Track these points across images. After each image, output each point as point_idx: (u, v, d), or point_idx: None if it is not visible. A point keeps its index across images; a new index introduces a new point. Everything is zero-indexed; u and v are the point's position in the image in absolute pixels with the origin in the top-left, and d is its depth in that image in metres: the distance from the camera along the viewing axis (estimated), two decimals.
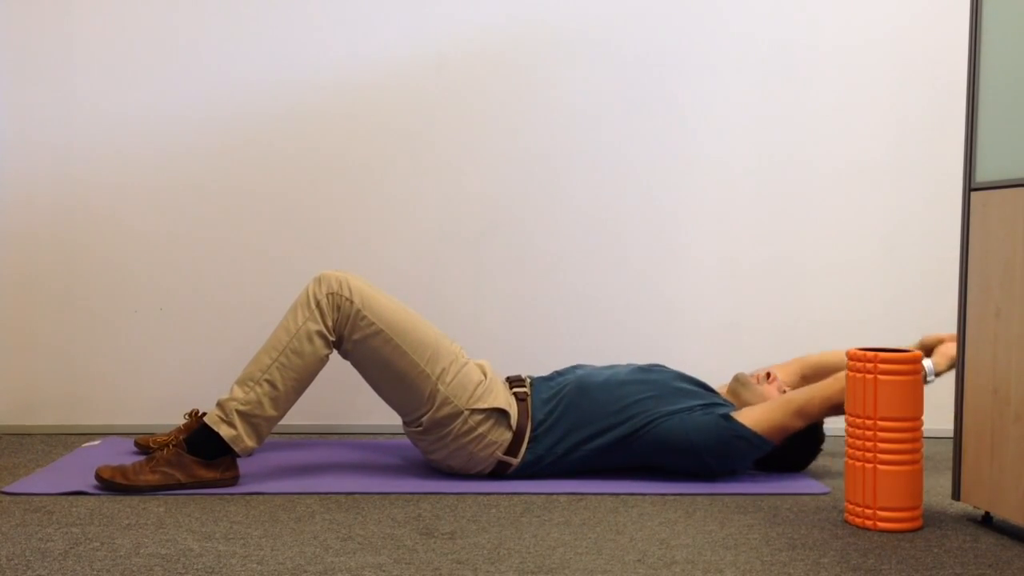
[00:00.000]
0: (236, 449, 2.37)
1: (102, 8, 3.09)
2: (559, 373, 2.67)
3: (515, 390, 2.56)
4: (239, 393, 2.38)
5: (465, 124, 3.13)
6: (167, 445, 2.47)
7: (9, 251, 3.11)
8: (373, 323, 2.43)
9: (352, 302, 2.42)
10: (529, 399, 2.53)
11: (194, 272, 3.13)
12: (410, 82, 3.14)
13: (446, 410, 2.45)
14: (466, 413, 2.46)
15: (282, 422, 2.65)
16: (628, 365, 2.68)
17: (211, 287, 3.12)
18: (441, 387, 2.45)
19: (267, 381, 2.39)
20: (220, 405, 2.39)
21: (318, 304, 2.42)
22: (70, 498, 2.29)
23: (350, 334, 2.43)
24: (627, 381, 2.55)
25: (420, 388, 2.45)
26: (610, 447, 2.50)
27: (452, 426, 2.46)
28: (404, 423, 2.55)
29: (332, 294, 2.42)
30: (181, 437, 2.44)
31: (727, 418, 2.48)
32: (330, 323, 2.42)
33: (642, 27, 3.16)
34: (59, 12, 3.08)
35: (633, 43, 3.17)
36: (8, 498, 2.30)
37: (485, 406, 2.47)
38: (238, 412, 2.36)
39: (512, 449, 2.49)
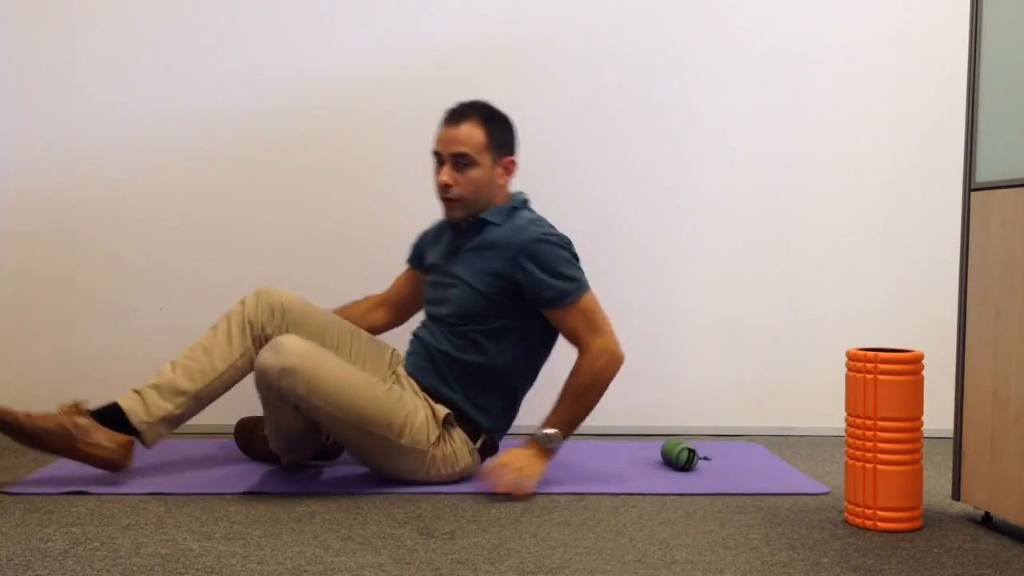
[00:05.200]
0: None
1: (102, 6, 3.09)
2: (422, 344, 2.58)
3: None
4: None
5: None
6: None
7: (9, 249, 3.11)
8: (321, 407, 2.30)
9: (296, 391, 2.27)
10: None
11: (194, 272, 3.13)
12: (411, 81, 3.14)
13: (413, 456, 2.41)
14: (431, 449, 2.41)
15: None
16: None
17: (211, 287, 3.12)
18: (401, 441, 2.38)
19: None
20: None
21: (268, 383, 2.29)
22: (70, 498, 2.29)
23: (298, 405, 2.32)
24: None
25: (381, 449, 2.40)
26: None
27: (425, 462, 2.42)
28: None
29: (279, 386, 2.27)
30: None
31: None
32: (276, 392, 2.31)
33: (643, 26, 3.16)
34: (59, 10, 3.08)
35: (634, 41, 3.17)
36: (8, 498, 2.29)
37: (439, 431, 2.43)
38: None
39: (485, 444, 2.51)
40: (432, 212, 3.14)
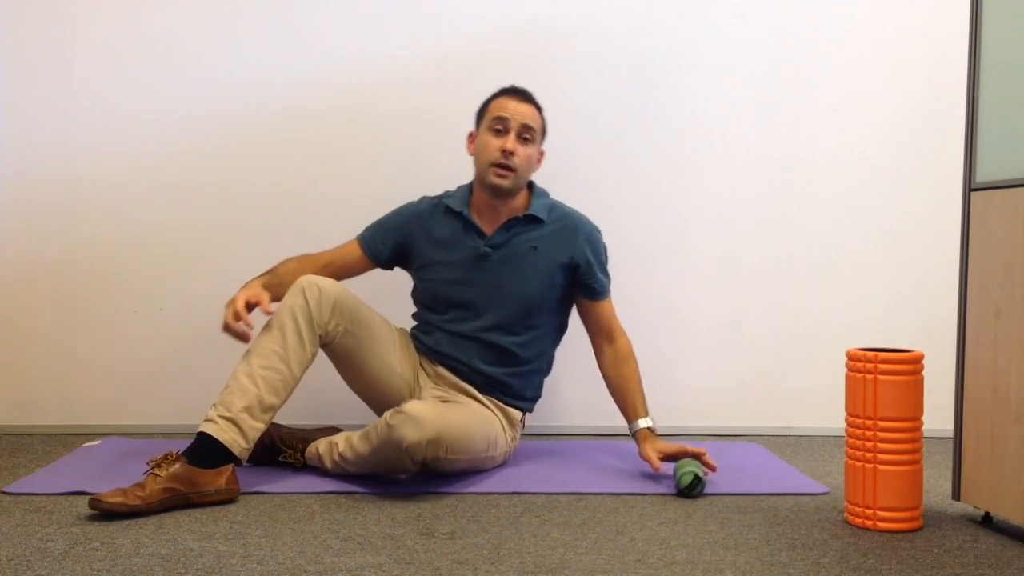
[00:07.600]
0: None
1: (101, 7, 3.09)
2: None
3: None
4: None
5: (466, 123, 3.12)
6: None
7: (9, 250, 3.11)
8: (454, 459, 2.42)
9: (439, 455, 2.36)
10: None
11: (194, 272, 3.13)
12: (410, 82, 3.14)
13: (498, 458, 2.63)
14: (509, 444, 2.66)
15: (283, 422, 2.65)
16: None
17: (211, 287, 3.11)
18: (495, 453, 2.59)
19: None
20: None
21: (410, 455, 2.34)
22: (70, 498, 2.29)
23: (433, 462, 2.40)
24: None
25: (476, 464, 2.54)
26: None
27: (506, 456, 2.67)
28: None
29: (424, 456, 2.35)
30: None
31: None
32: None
33: (643, 26, 3.16)
34: (58, 11, 3.08)
35: (634, 42, 3.17)
36: (8, 498, 2.30)
37: (513, 431, 2.67)
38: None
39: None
40: None
